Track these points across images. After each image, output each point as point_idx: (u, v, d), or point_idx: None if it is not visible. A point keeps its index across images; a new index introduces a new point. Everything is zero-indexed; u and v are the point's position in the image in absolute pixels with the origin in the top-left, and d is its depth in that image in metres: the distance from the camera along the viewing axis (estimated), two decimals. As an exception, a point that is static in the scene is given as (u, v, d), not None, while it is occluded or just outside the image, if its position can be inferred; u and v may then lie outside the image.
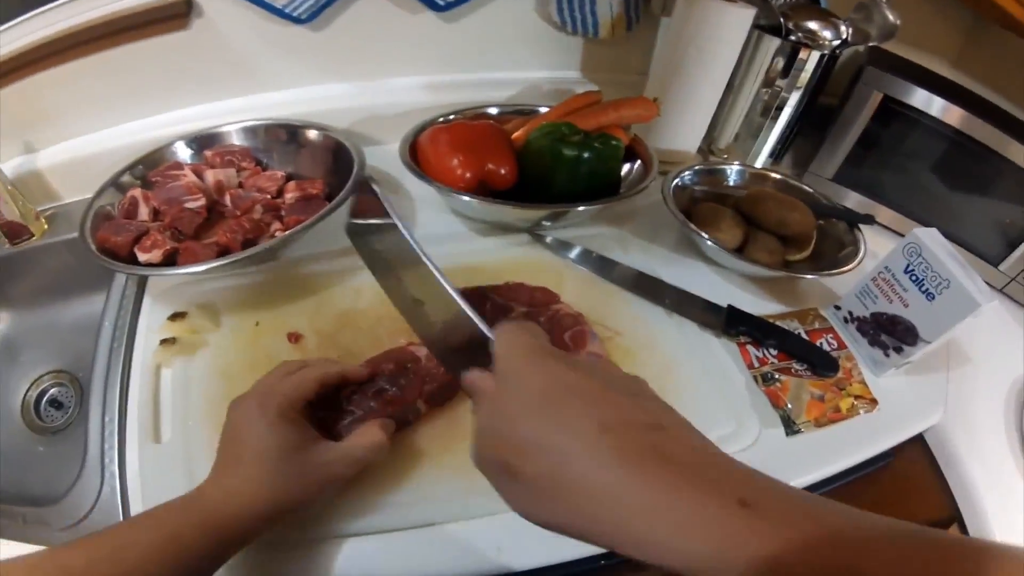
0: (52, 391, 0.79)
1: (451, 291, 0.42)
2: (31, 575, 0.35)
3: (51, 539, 0.51)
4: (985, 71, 0.92)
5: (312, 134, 0.78)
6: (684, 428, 0.30)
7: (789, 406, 0.61)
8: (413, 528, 0.50)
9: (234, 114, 0.80)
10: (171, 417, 0.57)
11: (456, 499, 0.51)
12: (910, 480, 0.65)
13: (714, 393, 0.61)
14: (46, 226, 0.78)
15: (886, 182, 0.86)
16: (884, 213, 0.86)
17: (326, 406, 0.51)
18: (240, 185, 0.76)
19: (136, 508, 0.52)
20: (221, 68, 0.81)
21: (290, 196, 0.73)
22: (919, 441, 0.66)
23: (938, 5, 0.91)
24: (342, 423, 0.51)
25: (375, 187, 0.50)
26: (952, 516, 0.63)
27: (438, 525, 0.50)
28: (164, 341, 0.61)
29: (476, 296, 0.63)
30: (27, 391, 0.78)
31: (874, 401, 0.63)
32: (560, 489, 0.28)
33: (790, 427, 0.59)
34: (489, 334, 0.37)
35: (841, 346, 0.68)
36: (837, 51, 0.80)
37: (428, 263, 0.44)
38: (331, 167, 0.76)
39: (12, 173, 0.75)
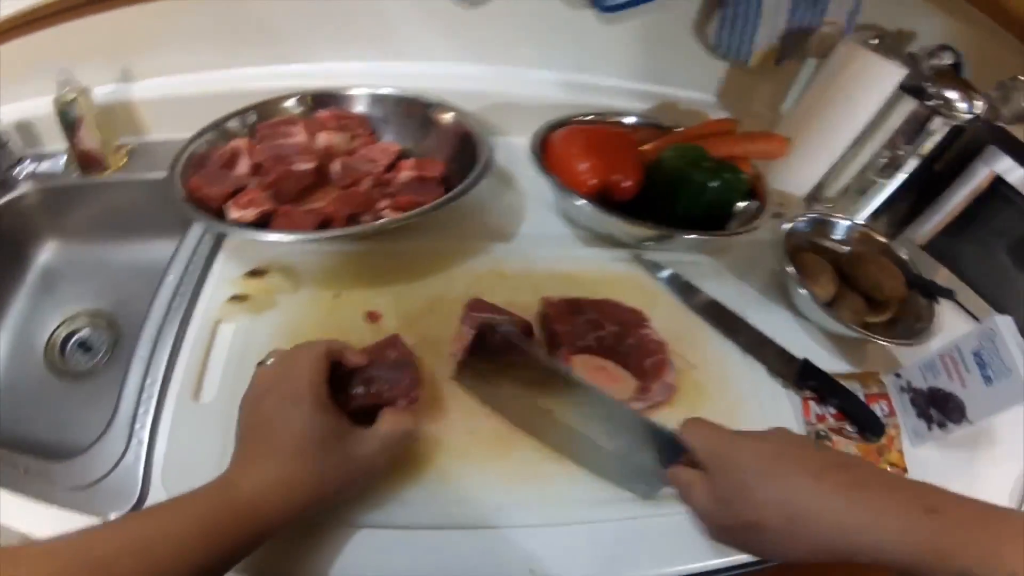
0: (83, 332, 0.73)
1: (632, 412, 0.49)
2: (51, 564, 0.32)
3: (53, 496, 0.46)
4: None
5: (443, 114, 0.74)
6: (866, 463, 0.44)
7: (831, 468, 0.64)
8: (439, 529, 0.48)
9: (355, 77, 0.76)
10: (219, 377, 0.54)
11: (493, 504, 0.50)
12: None
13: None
14: (124, 160, 0.73)
15: (971, 260, 0.86)
16: (959, 287, 0.86)
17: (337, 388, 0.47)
18: (350, 153, 0.71)
19: (157, 477, 0.48)
20: (354, 27, 0.75)
21: (404, 174, 0.68)
22: None
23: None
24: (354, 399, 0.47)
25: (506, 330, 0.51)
26: None
27: (469, 529, 0.49)
28: (234, 297, 0.58)
29: (573, 307, 0.63)
30: (56, 328, 0.72)
31: (905, 471, 0.65)
32: (798, 525, 0.36)
33: (828, 487, 0.63)
34: (676, 434, 0.44)
35: (891, 413, 0.69)
36: (967, 124, 0.78)
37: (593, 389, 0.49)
38: (453, 152, 0.72)
39: (104, 99, 0.70)
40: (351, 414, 0.46)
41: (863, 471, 0.39)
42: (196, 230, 0.64)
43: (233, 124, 0.69)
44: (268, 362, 0.49)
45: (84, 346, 0.72)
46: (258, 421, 0.44)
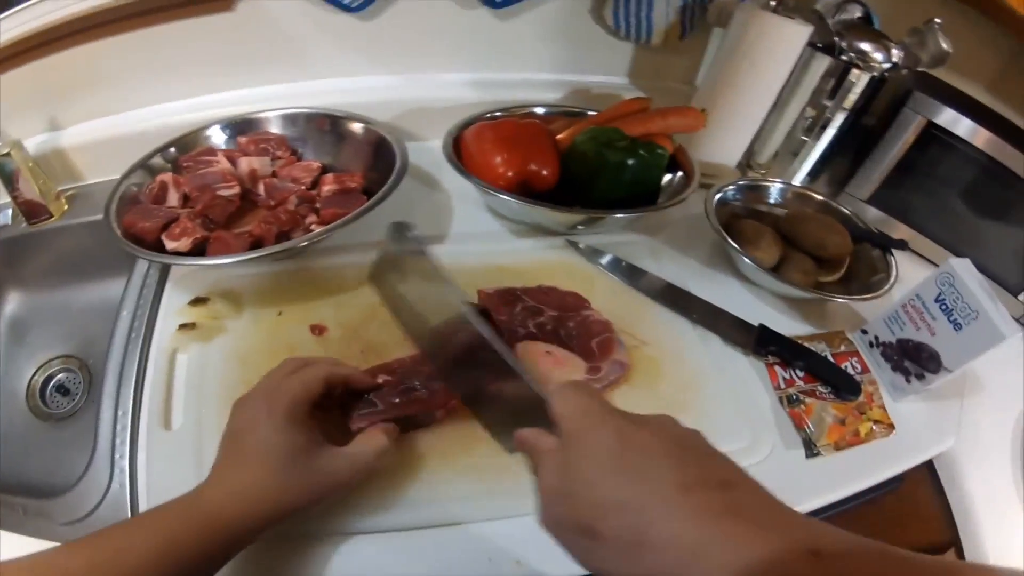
0: (59, 376, 0.75)
1: (504, 352, 0.41)
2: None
3: (53, 533, 0.48)
4: (1021, 99, 0.89)
5: (354, 126, 0.75)
6: (751, 483, 0.31)
7: (811, 428, 0.60)
8: (426, 528, 0.49)
9: (272, 101, 0.77)
10: (183, 404, 0.55)
11: (471, 500, 0.50)
12: (914, 504, 0.65)
13: (736, 410, 0.60)
14: (66, 207, 0.74)
15: (918, 206, 0.84)
16: (913, 237, 0.85)
17: (329, 406, 0.49)
18: (274, 174, 0.72)
19: (144, 502, 0.50)
20: (264, 53, 0.77)
21: (327, 188, 0.69)
22: (927, 466, 0.66)
23: (979, 30, 0.88)
24: (352, 420, 0.49)
25: (415, 235, 0.51)
26: (951, 541, 0.63)
27: (450, 527, 0.49)
28: (183, 326, 0.59)
29: (508, 296, 0.62)
30: (33, 375, 0.74)
31: (891, 426, 0.62)
32: (642, 546, 0.28)
33: (810, 449, 0.59)
34: (544, 395, 0.37)
35: (865, 370, 0.67)
36: (886, 74, 0.77)
37: (475, 322, 0.44)
38: (371, 161, 0.73)
39: (35, 150, 0.71)
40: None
41: (744, 495, 0.30)
42: (141, 266, 0.66)
43: (156, 160, 0.70)
44: None
45: (62, 389, 0.74)
46: (234, 430, 0.44)
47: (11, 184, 0.69)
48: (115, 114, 0.75)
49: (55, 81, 0.70)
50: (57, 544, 0.38)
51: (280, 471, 0.41)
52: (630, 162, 0.68)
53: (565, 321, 0.61)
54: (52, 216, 0.73)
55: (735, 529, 0.27)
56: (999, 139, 0.74)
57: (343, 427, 0.49)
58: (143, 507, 0.49)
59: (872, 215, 0.85)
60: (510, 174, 0.68)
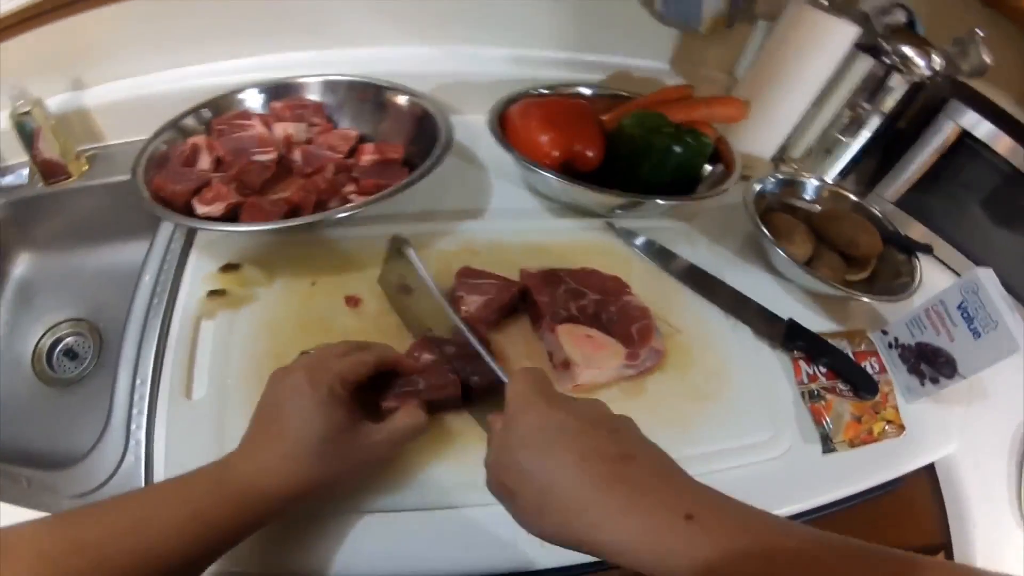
0: (68, 340, 0.73)
1: (476, 343, 0.48)
2: (37, 546, 0.32)
3: (59, 506, 0.46)
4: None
5: (398, 97, 0.73)
6: (653, 458, 0.35)
7: (829, 425, 0.61)
8: (447, 508, 0.48)
9: (304, 67, 0.74)
10: (207, 373, 0.53)
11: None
12: (910, 505, 0.66)
13: (760, 402, 0.61)
14: (85, 167, 0.72)
15: (944, 213, 0.84)
16: (936, 244, 0.85)
17: (371, 386, 0.48)
18: (309, 141, 0.70)
19: (159, 476, 0.48)
20: (300, 17, 0.74)
21: (367, 158, 0.68)
22: (927, 469, 0.67)
23: (1014, 43, 0.88)
24: (387, 399, 0.49)
25: (410, 251, 0.53)
26: (943, 544, 0.64)
27: (472, 508, 0.49)
28: (212, 293, 0.57)
29: (551, 278, 0.62)
30: (40, 339, 0.72)
31: (902, 427, 0.64)
32: (546, 506, 0.33)
33: (827, 445, 0.60)
34: (505, 379, 0.42)
35: (882, 370, 0.68)
36: (926, 80, 0.77)
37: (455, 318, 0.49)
38: (412, 133, 0.71)
39: (57, 109, 0.69)
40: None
41: (639, 468, 0.33)
42: (166, 230, 0.64)
43: (189, 121, 0.67)
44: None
45: (70, 354, 0.72)
46: (271, 403, 0.43)
47: (31, 143, 0.67)
48: (142, 75, 0.73)
49: (81, 41, 0.68)
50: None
51: (317, 449, 0.40)
52: (676, 148, 0.67)
53: (607, 305, 0.61)
54: (71, 176, 0.71)
55: (620, 493, 0.32)
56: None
57: (374, 404, 0.49)
58: (158, 481, 0.47)
59: (897, 217, 0.86)
60: (556, 153, 0.68)
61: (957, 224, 0.84)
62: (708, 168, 0.75)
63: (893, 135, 0.84)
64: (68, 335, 0.73)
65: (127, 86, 0.72)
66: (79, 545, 0.32)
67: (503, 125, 0.71)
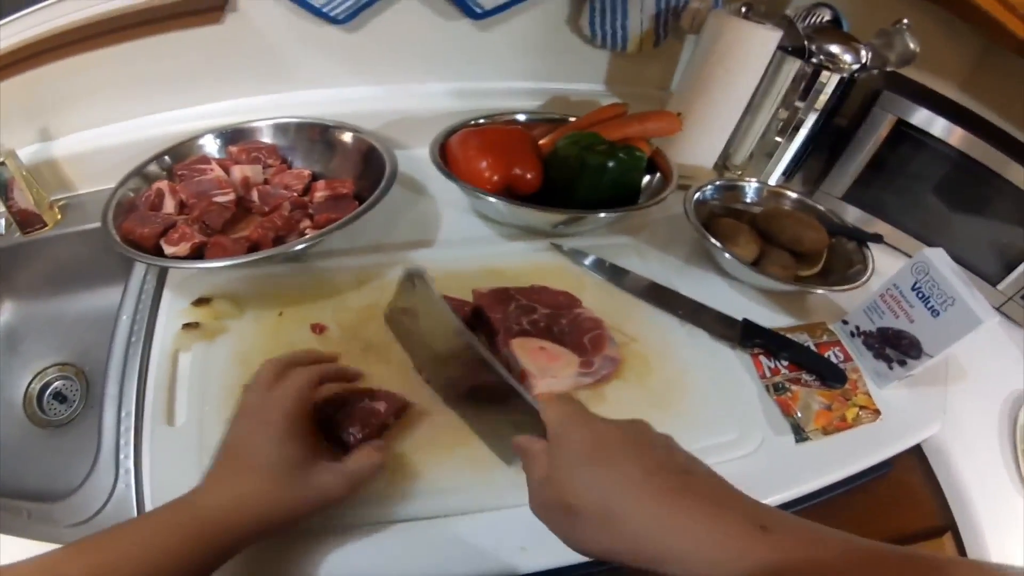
0: (56, 384, 0.75)
1: (503, 373, 0.46)
2: None
3: (58, 536, 0.48)
4: (992, 95, 0.91)
5: (344, 135, 0.76)
6: (710, 473, 0.36)
7: (799, 415, 0.61)
8: (425, 519, 0.49)
9: (261, 111, 0.78)
10: (187, 401, 0.55)
11: (465, 491, 0.50)
12: (906, 489, 0.65)
13: (724, 401, 0.60)
14: (59, 216, 0.74)
15: (892, 202, 0.85)
16: (889, 232, 0.86)
17: (323, 418, 0.49)
18: (266, 182, 0.73)
19: (149, 501, 0.49)
20: (251, 65, 0.78)
21: (320, 194, 0.71)
22: (916, 451, 0.66)
23: (949, 29, 0.90)
24: (346, 431, 0.49)
25: (427, 276, 0.52)
26: (946, 525, 0.63)
27: (450, 517, 0.49)
28: (187, 325, 0.59)
29: (502, 295, 0.62)
30: (30, 384, 0.74)
31: (877, 412, 0.63)
32: (612, 520, 0.33)
33: (799, 434, 0.59)
34: (536, 406, 0.42)
35: (847, 359, 0.68)
36: (856, 75, 0.79)
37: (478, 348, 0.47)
38: (360, 169, 0.74)
39: (28, 160, 0.71)
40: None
41: (701, 480, 0.35)
42: (138, 272, 0.67)
43: (152, 168, 0.70)
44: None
45: (59, 397, 0.74)
46: (232, 442, 0.44)
47: (5, 193, 0.69)
48: (106, 125, 0.76)
49: (47, 92, 0.71)
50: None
51: (277, 483, 0.41)
52: (610, 164, 0.69)
53: (558, 319, 0.62)
54: (46, 225, 0.73)
55: (690, 504, 0.32)
56: (969, 134, 0.76)
57: (336, 439, 0.49)
58: (149, 506, 0.49)
59: (847, 212, 0.87)
60: (495, 178, 0.69)
61: (906, 210, 0.85)
62: (647, 180, 0.76)
63: (834, 132, 0.85)
64: (56, 379, 0.75)
65: (92, 136, 0.75)
66: None
67: (445, 156, 0.73)
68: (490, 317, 0.60)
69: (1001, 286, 0.81)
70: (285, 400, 0.44)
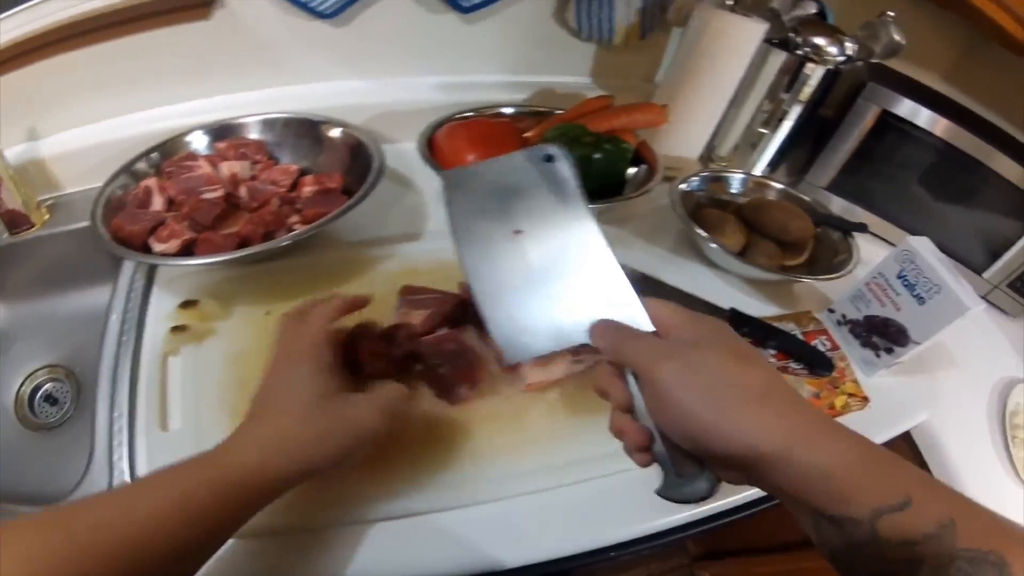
0: (47, 386, 0.74)
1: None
2: (25, 544, 0.31)
3: None
4: (977, 85, 0.91)
5: (332, 130, 0.75)
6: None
7: (788, 402, 0.60)
8: (445, 511, 0.49)
9: (249, 107, 0.77)
10: (180, 405, 0.54)
11: (469, 482, 0.50)
12: None
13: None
14: (47, 216, 0.73)
15: (877, 192, 0.85)
16: (874, 222, 0.86)
17: (349, 358, 0.49)
18: (253, 178, 0.73)
19: None
20: (239, 60, 0.77)
21: (308, 190, 0.70)
22: (906, 438, 0.66)
23: (936, 21, 0.90)
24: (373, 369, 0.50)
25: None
26: None
27: (443, 512, 0.49)
28: (175, 328, 0.58)
29: None
30: (20, 386, 0.73)
31: (865, 399, 0.63)
32: (773, 393, 0.32)
33: (787, 423, 0.59)
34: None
35: (835, 347, 0.68)
36: (841, 67, 0.79)
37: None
38: (348, 163, 0.73)
39: (14, 160, 0.70)
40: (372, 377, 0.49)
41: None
42: (128, 270, 0.65)
43: (140, 166, 0.69)
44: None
45: (50, 399, 0.73)
46: (263, 390, 0.42)
47: None
48: (93, 123, 0.74)
49: (32, 92, 0.70)
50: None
51: (307, 417, 0.39)
52: (596, 156, 0.68)
53: None
54: (35, 226, 0.72)
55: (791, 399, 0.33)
56: (954, 124, 0.76)
57: (359, 378, 0.49)
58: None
59: (833, 203, 0.87)
60: (481, 171, 0.69)
61: (891, 200, 0.84)
62: (633, 172, 0.75)
63: (819, 123, 0.85)
64: (46, 381, 0.74)
65: (79, 135, 0.74)
66: (67, 541, 0.31)
67: (432, 149, 0.72)
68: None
69: (987, 274, 0.81)
70: (310, 335, 0.43)
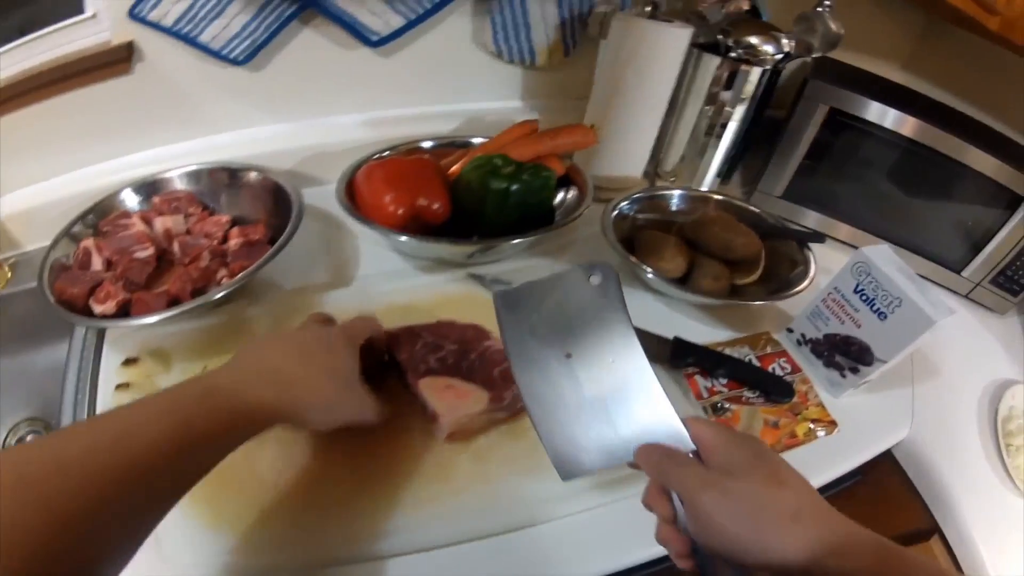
0: (29, 439, 0.75)
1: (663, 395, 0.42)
2: (18, 469, 0.30)
3: None
4: (937, 71, 0.87)
5: (251, 176, 0.73)
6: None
7: (741, 436, 0.55)
8: (464, 542, 0.49)
9: (181, 158, 0.76)
10: None
11: (480, 513, 0.50)
12: (885, 494, 0.61)
13: (659, 427, 0.55)
14: (9, 275, 0.73)
15: (840, 196, 0.79)
16: (840, 228, 0.80)
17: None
18: (188, 231, 0.72)
19: None
20: (166, 113, 0.76)
21: (234, 242, 0.69)
22: (888, 457, 0.62)
23: (888, 9, 0.86)
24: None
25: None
26: (931, 527, 0.59)
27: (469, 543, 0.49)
28: (119, 386, 0.58)
29: (408, 334, 0.59)
30: (4, 439, 0.75)
31: (833, 423, 0.58)
32: (804, 511, 0.35)
33: (742, 458, 0.53)
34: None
35: (795, 369, 0.63)
36: (780, 65, 0.74)
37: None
38: (273, 209, 0.72)
39: None
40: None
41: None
42: (80, 329, 0.67)
43: (78, 227, 0.70)
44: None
45: None
46: (295, 348, 0.46)
47: None
48: (39, 182, 0.75)
49: None
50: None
51: (338, 384, 0.46)
52: (514, 188, 0.64)
53: (467, 354, 0.58)
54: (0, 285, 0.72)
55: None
56: (909, 116, 0.71)
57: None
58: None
59: (796, 212, 0.81)
60: (400, 211, 0.64)
61: (854, 204, 0.79)
62: (561, 198, 0.72)
63: (771, 128, 0.80)
64: (28, 433, 0.75)
65: (31, 194, 0.74)
66: (61, 465, 0.31)
67: (354, 191, 0.69)
68: (398, 358, 0.56)
69: (966, 272, 0.75)
70: (357, 329, 0.51)
